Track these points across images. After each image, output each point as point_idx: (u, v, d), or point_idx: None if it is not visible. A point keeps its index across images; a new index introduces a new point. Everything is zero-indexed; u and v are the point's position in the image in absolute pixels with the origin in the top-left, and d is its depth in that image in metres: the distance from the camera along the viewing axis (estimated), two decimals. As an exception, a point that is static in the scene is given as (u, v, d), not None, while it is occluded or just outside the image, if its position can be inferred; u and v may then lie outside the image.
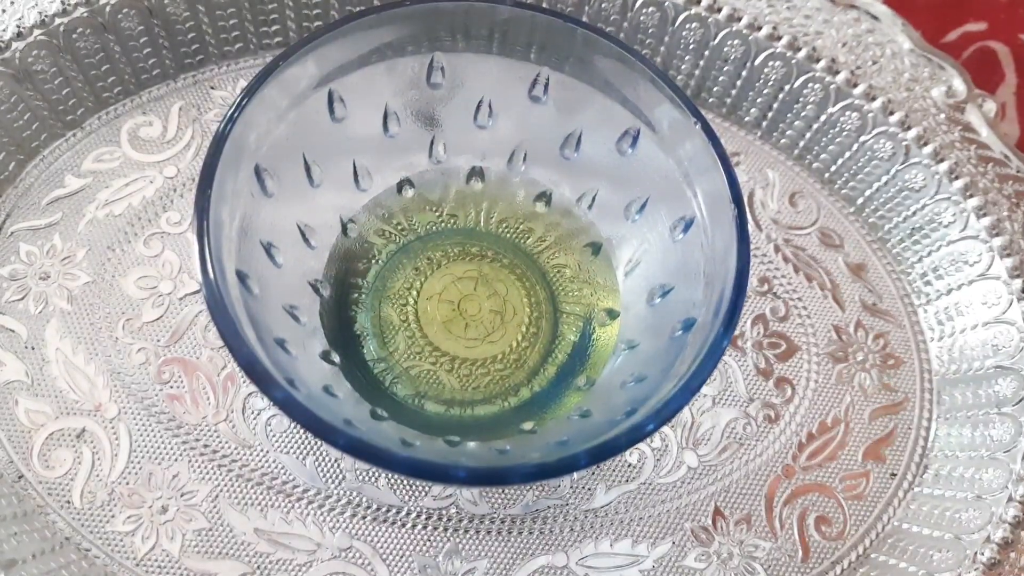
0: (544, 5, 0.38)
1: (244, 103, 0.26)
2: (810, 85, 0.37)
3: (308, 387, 0.26)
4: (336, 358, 0.31)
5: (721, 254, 0.27)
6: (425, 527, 0.31)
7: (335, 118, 0.30)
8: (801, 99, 0.37)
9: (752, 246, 0.29)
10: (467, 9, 0.30)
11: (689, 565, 0.31)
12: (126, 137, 0.36)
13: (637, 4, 0.37)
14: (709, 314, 0.27)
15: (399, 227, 0.34)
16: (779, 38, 0.37)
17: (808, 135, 0.38)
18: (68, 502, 0.30)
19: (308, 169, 0.30)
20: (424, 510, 0.31)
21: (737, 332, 0.35)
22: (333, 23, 0.28)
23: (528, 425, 0.30)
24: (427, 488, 0.31)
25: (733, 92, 0.38)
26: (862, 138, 0.37)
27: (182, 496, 0.30)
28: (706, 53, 0.38)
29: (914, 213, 0.36)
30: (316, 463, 0.31)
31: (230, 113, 0.26)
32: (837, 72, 0.36)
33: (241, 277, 0.26)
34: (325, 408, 0.25)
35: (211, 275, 0.24)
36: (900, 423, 0.34)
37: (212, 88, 0.37)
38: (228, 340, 0.23)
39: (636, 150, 0.31)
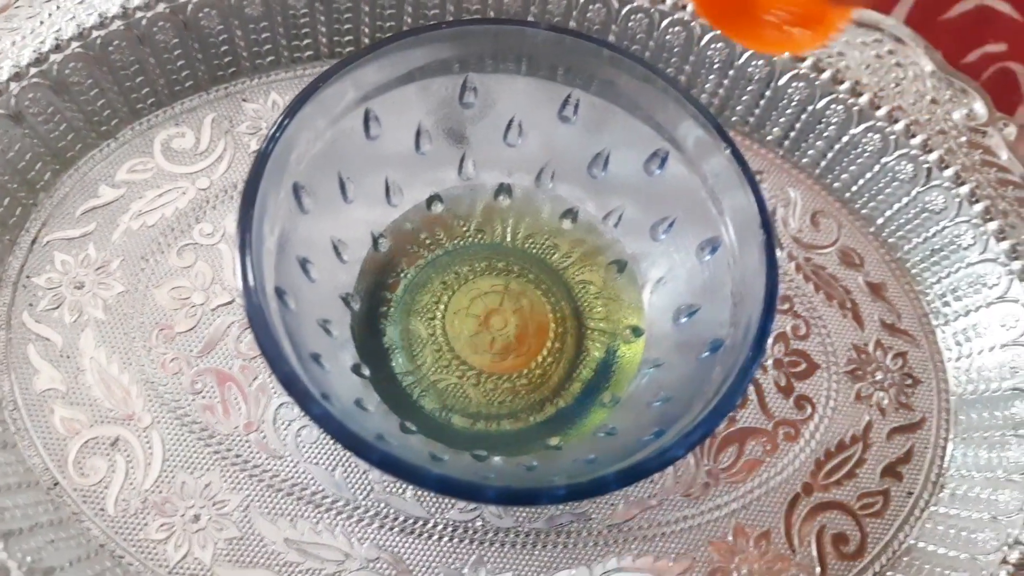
0: (572, 25, 0.38)
1: (286, 123, 0.27)
2: (833, 106, 0.37)
3: (341, 401, 0.27)
4: (366, 371, 0.31)
5: (749, 277, 0.28)
6: (451, 539, 0.31)
7: (370, 136, 0.31)
8: (824, 120, 0.38)
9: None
10: (496, 32, 0.30)
11: (709, 580, 0.32)
12: (159, 148, 0.36)
13: (664, 24, 0.38)
14: (737, 337, 0.27)
15: (428, 242, 0.34)
16: (803, 59, 0.37)
17: (830, 155, 0.38)
18: (102, 510, 0.30)
19: (343, 186, 0.31)
20: (450, 522, 0.31)
21: (758, 350, 0.35)
22: (370, 46, 0.29)
23: (554, 441, 0.31)
24: (453, 501, 0.32)
25: (756, 111, 0.39)
26: (883, 159, 0.37)
27: (214, 505, 0.31)
28: (731, 72, 0.38)
29: (934, 235, 0.37)
30: (345, 474, 0.32)
31: (272, 132, 0.27)
32: (860, 94, 0.37)
33: (279, 293, 0.27)
34: (358, 422, 0.26)
35: (254, 295, 0.25)
36: (918, 442, 0.35)
37: (244, 100, 0.38)
38: (270, 358, 0.24)
39: (664, 171, 0.31)
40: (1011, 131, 0.37)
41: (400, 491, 0.32)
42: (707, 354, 0.29)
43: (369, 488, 0.32)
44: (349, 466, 0.32)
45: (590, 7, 0.38)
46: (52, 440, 0.31)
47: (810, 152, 0.39)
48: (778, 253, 0.37)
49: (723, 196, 0.29)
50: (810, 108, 0.38)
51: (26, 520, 0.29)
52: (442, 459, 0.29)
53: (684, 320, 0.31)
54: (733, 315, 0.29)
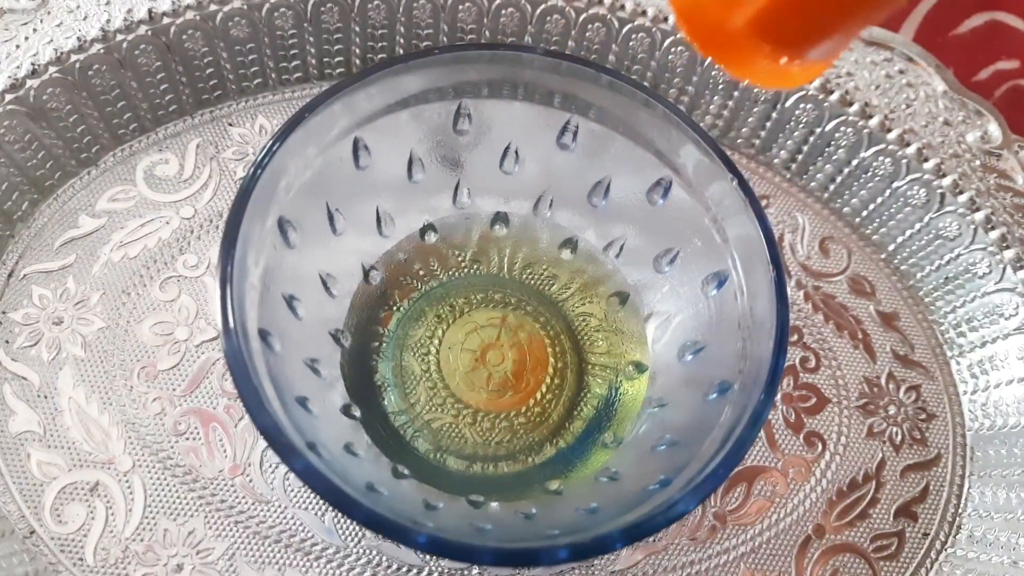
0: (571, 45, 0.37)
1: (274, 148, 0.26)
2: (842, 129, 0.36)
3: (329, 449, 0.25)
4: (357, 412, 0.30)
5: (758, 313, 0.27)
6: (447, 587, 0.30)
7: (359, 166, 0.29)
8: (832, 142, 0.36)
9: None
10: (491, 57, 0.29)
11: (717, 629, 0.30)
12: (142, 175, 0.35)
13: (666, 43, 0.36)
14: (748, 379, 0.26)
15: (421, 273, 0.33)
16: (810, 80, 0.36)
17: (839, 179, 0.37)
18: (81, 559, 0.29)
19: (331, 217, 0.30)
20: (445, 570, 0.30)
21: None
22: (362, 72, 0.27)
23: (554, 484, 0.30)
24: (449, 546, 0.30)
25: (762, 133, 0.37)
26: (895, 184, 0.36)
27: (198, 554, 0.29)
28: (735, 93, 0.37)
29: (948, 262, 0.35)
30: (335, 519, 0.30)
31: (259, 159, 0.25)
32: (870, 116, 0.36)
33: (263, 335, 0.25)
34: (346, 471, 0.25)
35: (234, 337, 0.23)
36: (933, 480, 0.33)
37: (230, 125, 0.36)
38: (250, 408, 0.23)
39: (667, 200, 0.30)
40: (1027, 154, 0.36)
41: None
42: (715, 395, 0.27)
43: (360, 534, 0.30)
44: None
45: (589, 27, 0.36)
46: (28, 486, 0.30)
47: (818, 176, 0.37)
48: (787, 281, 0.36)
49: (728, 227, 0.28)
50: (818, 130, 0.36)
51: (0, 573, 0.27)
52: (436, 507, 0.27)
53: (690, 357, 0.30)
54: (741, 353, 0.27)
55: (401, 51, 0.37)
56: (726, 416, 0.26)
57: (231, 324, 0.23)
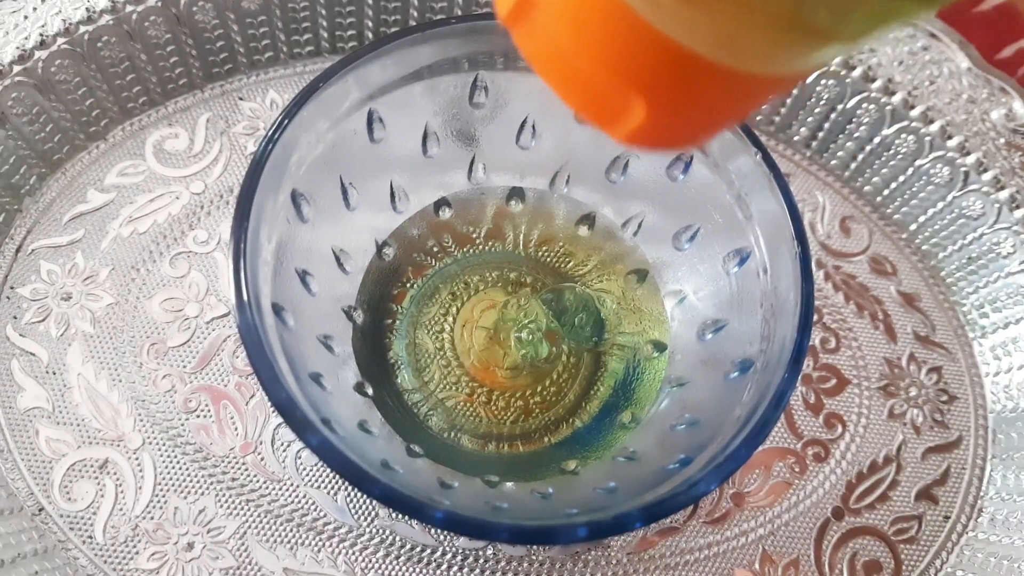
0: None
1: (285, 123, 0.25)
2: (864, 106, 0.35)
3: (343, 426, 0.25)
4: (369, 390, 0.29)
5: (782, 290, 0.26)
6: (460, 568, 0.29)
7: (374, 139, 0.29)
8: (854, 120, 0.36)
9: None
10: (510, 27, 0.28)
11: (735, 612, 0.30)
12: (151, 150, 0.34)
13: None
14: (771, 357, 0.25)
15: (435, 250, 0.33)
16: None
17: (860, 157, 0.36)
18: (90, 537, 0.29)
19: (345, 191, 0.29)
20: (459, 550, 0.30)
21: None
22: (374, 43, 0.27)
23: (571, 465, 0.29)
24: (463, 526, 0.30)
25: (782, 110, 0.37)
26: (917, 162, 0.35)
27: (208, 532, 0.29)
28: (755, 69, 0.36)
29: (971, 242, 0.35)
30: (348, 498, 0.30)
31: (270, 134, 0.25)
32: (893, 92, 0.35)
33: (277, 310, 0.25)
34: (361, 448, 0.24)
35: (248, 311, 0.23)
36: (954, 463, 0.33)
37: (240, 99, 0.36)
38: (265, 381, 0.22)
39: (688, 176, 0.29)
40: (1053, 132, 0.35)
41: (407, 517, 0.30)
42: (736, 374, 0.27)
43: (374, 514, 0.30)
44: (352, 490, 0.30)
45: None
46: (37, 463, 0.29)
47: (839, 154, 0.37)
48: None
49: (752, 203, 0.27)
50: (839, 107, 0.36)
51: (8, 550, 0.27)
52: (451, 486, 0.27)
53: (710, 336, 0.29)
54: (764, 331, 0.27)
55: (414, 23, 0.37)
56: (748, 395, 0.25)
57: (245, 298, 0.23)
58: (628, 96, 0.14)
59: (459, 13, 0.36)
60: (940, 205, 0.35)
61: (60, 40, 0.32)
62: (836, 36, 0.13)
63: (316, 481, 0.30)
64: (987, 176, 0.34)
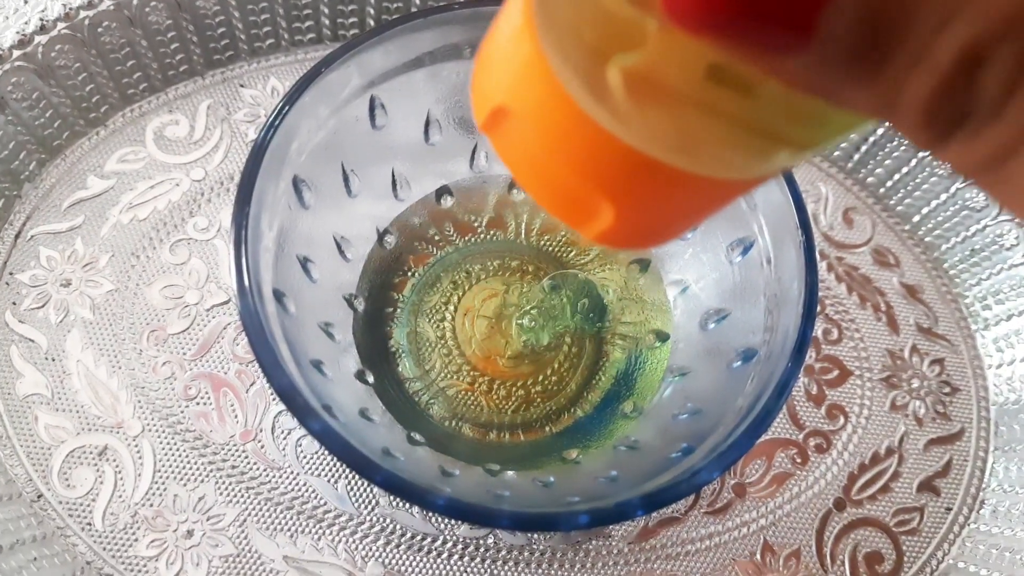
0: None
1: (285, 110, 0.25)
2: (868, 96, 0.35)
3: (344, 413, 0.25)
4: (370, 377, 0.29)
5: (786, 280, 0.26)
6: (462, 557, 0.29)
7: (376, 126, 0.28)
8: (858, 110, 0.35)
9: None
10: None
11: (736, 602, 0.30)
12: (152, 136, 0.34)
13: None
14: (774, 346, 0.25)
15: (436, 238, 0.32)
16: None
17: (864, 148, 0.36)
18: (89, 524, 0.28)
19: (346, 178, 0.29)
20: (460, 539, 0.29)
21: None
22: (376, 28, 0.26)
23: (572, 454, 0.29)
24: (463, 515, 0.30)
25: (785, 101, 0.37)
26: (920, 153, 0.35)
27: (208, 520, 0.29)
28: (758, 59, 0.36)
29: (974, 234, 0.35)
30: (348, 486, 0.30)
31: (271, 120, 0.25)
32: (897, 83, 0.35)
33: (278, 296, 0.25)
34: (362, 436, 0.24)
35: (249, 297, 0.23)
36: (956, 455, 0.33)
37: (241, 86, 0.35)
38: (267, 367, 0.22)
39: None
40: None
41: (407, 506, 0.30)
42: (739, 364, 0.26)
43: (374, 502, 0.30)
44: (353, 478, 0.30)
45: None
46: (36, 449, 0.29)
47: (842, 145, 0.36)
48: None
49: (756, 192, 0.27)
50: (843, 98, 0.35)
51: (7, 536, 0.27)
52: (453, 474, 0.27)
53: (713, 326, 0.29)
54: (767, 321, 0.26)
55: (416, 9, 0.36)
56: (751, 385, 0.25)
57: (246, 284, 0.23)
58: (597, 200, 0.15)
59: None
60: (943, 197, 0.35)
61: (60, 25, 0.32)
62: (794, 143, 0.13)
63: (316, 469, 0.30)
64: (991, 167, 0.34)
